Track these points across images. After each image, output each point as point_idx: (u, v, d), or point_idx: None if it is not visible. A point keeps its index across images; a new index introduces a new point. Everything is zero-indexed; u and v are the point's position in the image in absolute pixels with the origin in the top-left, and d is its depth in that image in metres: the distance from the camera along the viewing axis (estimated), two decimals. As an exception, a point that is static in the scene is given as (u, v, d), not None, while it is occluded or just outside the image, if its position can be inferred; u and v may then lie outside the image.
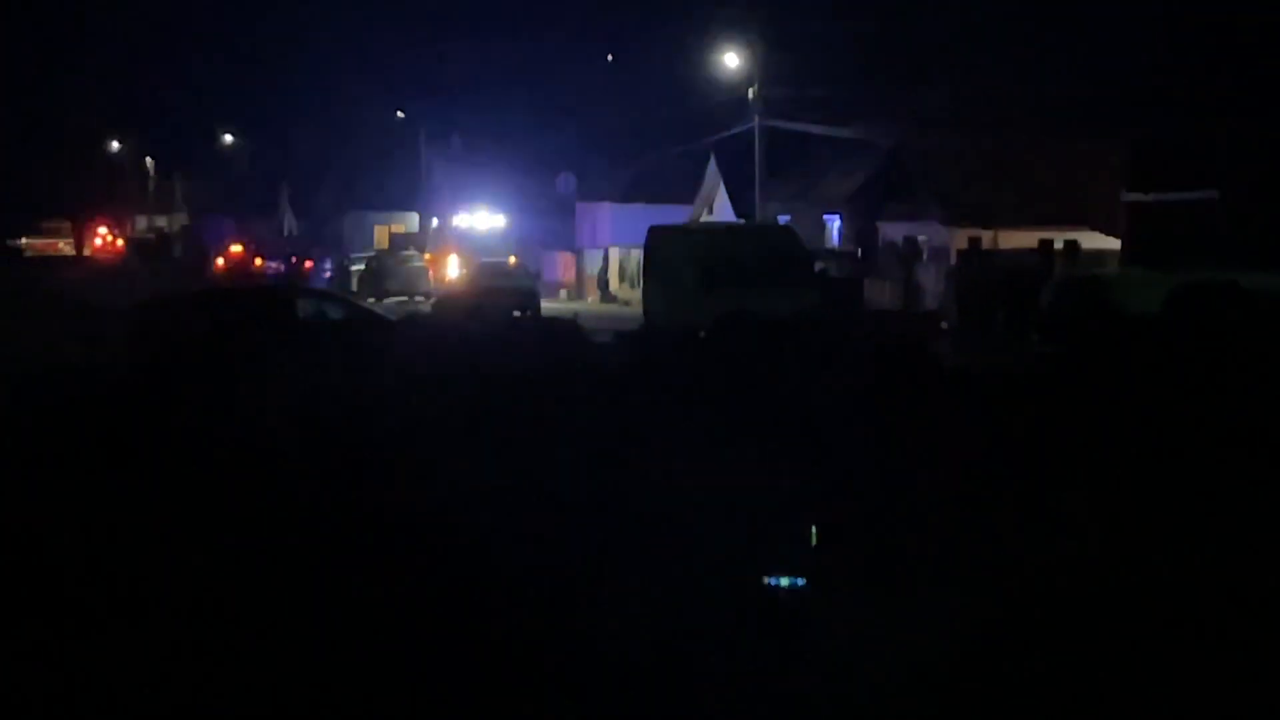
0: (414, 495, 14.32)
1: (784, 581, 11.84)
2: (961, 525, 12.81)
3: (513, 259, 56.54)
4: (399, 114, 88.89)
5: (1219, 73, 44.97)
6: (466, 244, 67.84)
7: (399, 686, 9.33)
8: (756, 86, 54.17)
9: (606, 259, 67.44)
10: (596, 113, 73.08)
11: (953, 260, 47.12)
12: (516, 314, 41.12)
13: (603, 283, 66.45)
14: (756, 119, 54.16)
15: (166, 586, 10.88)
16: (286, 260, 71.26)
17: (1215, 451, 15.91)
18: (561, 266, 72.69)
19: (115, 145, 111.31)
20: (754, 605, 11.21)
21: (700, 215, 63.24)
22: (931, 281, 47.88)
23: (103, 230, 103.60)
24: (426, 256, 62.62)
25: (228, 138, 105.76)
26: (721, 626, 10.46)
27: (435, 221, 73.88)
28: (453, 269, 58.86)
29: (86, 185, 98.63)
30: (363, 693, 9.26)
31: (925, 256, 50.93)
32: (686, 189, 65.43)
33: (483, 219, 73.44)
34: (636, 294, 46.89)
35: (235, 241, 79.40)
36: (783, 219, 53.42)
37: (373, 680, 9.38)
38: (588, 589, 11.00)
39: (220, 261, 74.75)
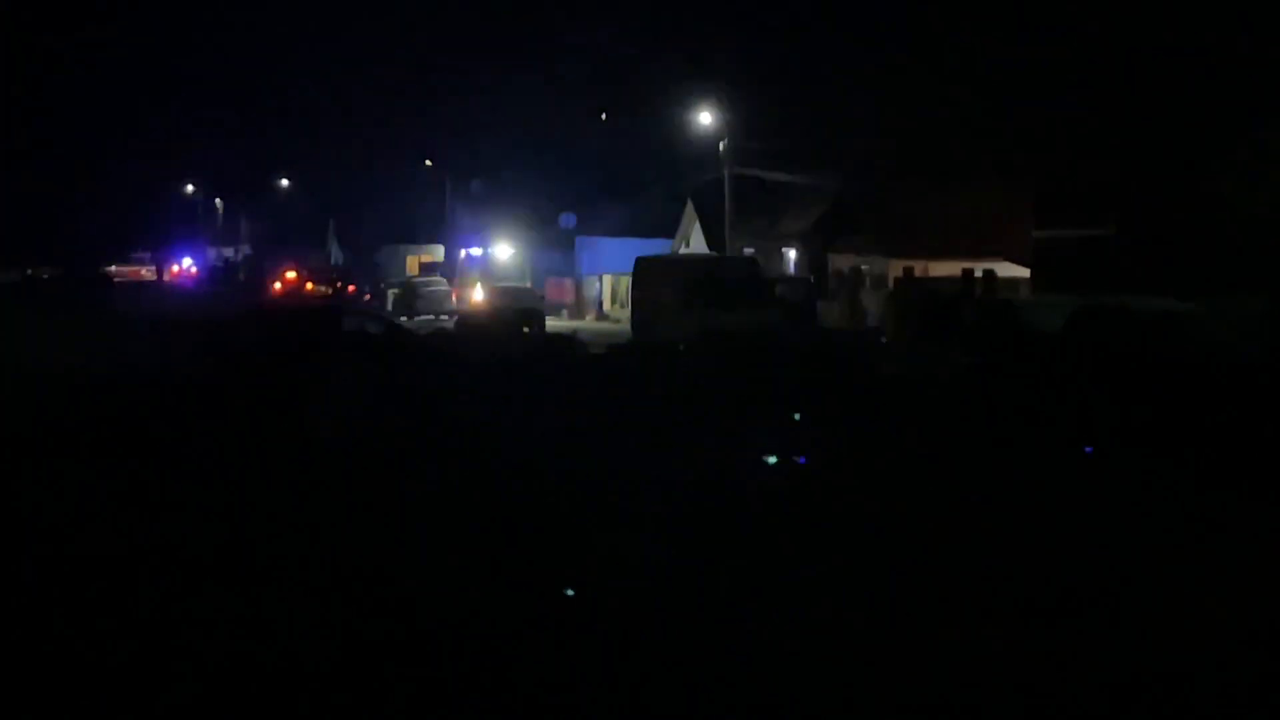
0: (451, 454, 14.67)
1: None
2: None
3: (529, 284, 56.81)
4: (428, 163, 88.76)
5: (1112, 128, 45.03)
6: (487, 271, 67.96)
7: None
8: (726, 141, 54.23)
9: (601, 284, 67.41)
10: (593, 162, 73.13)
11: (890, 286, 47.18)
12: (525, 329, 41.06)
13: (598, 304, 66.47)
14: (726, 168, 54.24)
15: (248, 541, 11.06)
16: (333, 284, 71.22)
17: (1106, 443, 16.04)
18: (563, 291, 72.64)
19: (190, 189, 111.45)
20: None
21: (679, 248, 63.21)
22: (872, 303, 47.95)
23: (184, 260, 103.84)
24: (457, 281, 62.38)
25: (284, 182, 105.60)
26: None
27: (464, 253, 73.52)
28: (478, 292, 58.78)
29: (166, 222, 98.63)
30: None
31: (867, 283, 51.02)
32: (668, 226, 65.60)
33: (502, 250, 73.34)
34: (626, 313, 46.85)
35: (290, 269, 79.15)
36: (748, 251, 53.39)
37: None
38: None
39: (278, 285, 74.65)
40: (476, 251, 74.00)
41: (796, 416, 18.09)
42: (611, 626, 9.03)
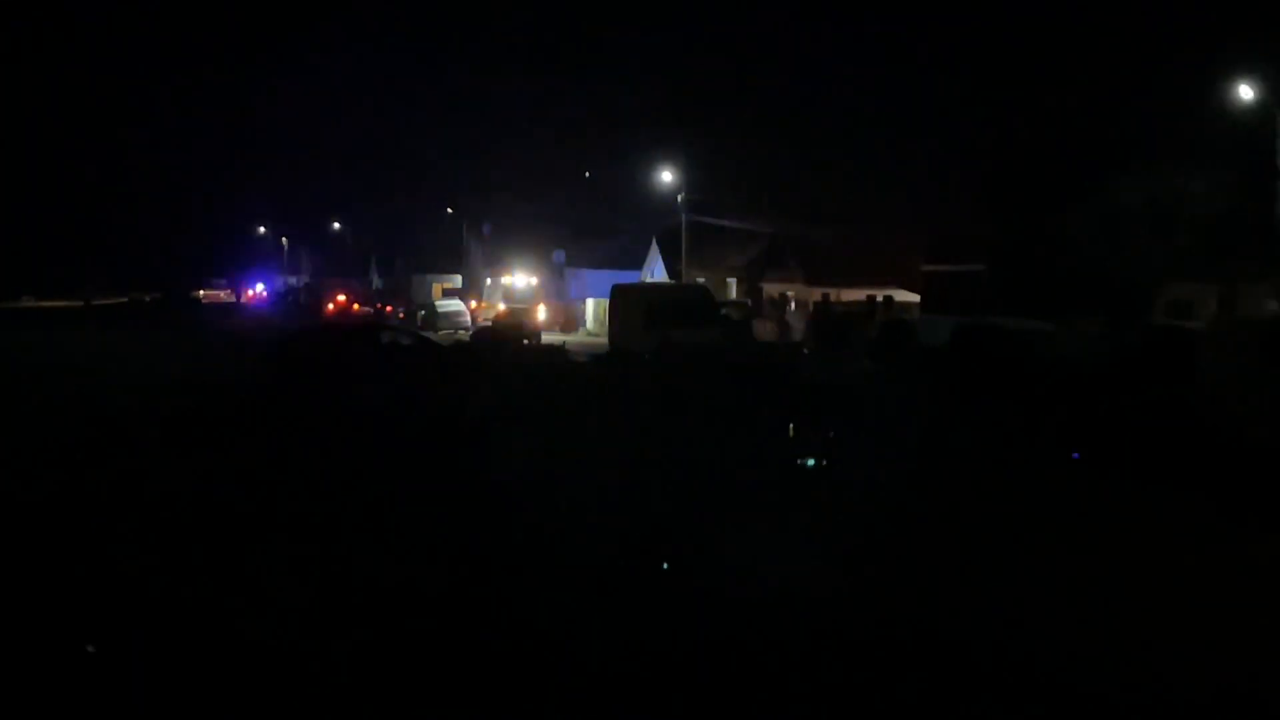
0: (471, 444, 14.69)
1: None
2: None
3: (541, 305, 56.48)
4: (449, 210, 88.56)
5: (985, 184, 45.23)
6: (501, 296, 67.49)
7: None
8: (682, 194, 54.27)
9: (585, 306, 67.16)
10: (580, 210, 72.85)
11: (810, 308, 47.16)
12: (525, 341, 40.89)
13: (583, 321, 66.20)
14: (683, 215, 54.26)
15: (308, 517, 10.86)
16: (374, 306, 70.98)
17: (980, 435, 16.03)
18: (557, 311, 72.36)
19: (261, 229, 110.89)
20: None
21: (645, 277, 63.10)
22: (797, 322, 47.89)
23: (257, 286, 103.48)
24: (483, 304, 61.26)
25: (336, 225, 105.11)
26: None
27: (489, 280, 72.17)
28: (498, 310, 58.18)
29: (241, 255, 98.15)
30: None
31: (792, 306, 50.94)
32: (638, 260, 65.69)
33: (519, 279, 72.32)
34: (605, 329, 46.70)
35: (340, 293, 78.81)
36: (700, 280, 53.33)
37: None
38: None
39: (331, 307, 74.40)
40: (507, 279, 72.66)
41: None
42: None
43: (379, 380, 20.98)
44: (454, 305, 61.91)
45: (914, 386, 22.13)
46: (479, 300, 59.32)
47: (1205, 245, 33.11)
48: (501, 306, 57.55)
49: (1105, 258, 34.78)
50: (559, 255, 72.14)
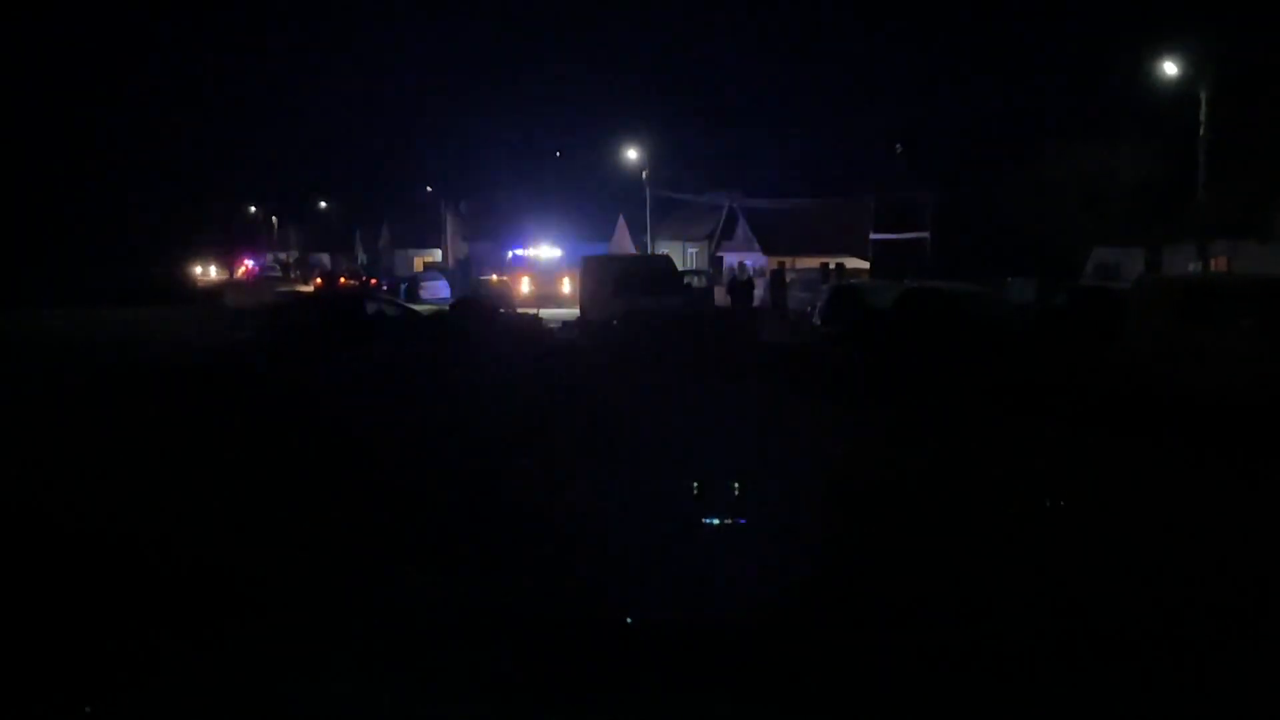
0: (445, 409, 14.69)
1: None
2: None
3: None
4: (429, 189, 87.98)
5: (926, 162, 45.31)
6: (484, 269, 65.85)
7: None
8: (646, 170, 54.07)
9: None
10: (549, 187, 72.42)
11: (767, 276, 47.23)
12: (501, 310, 40.67)
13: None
14: (648, 190, 54.12)
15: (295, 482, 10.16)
16: (359, 278, 70.50)
17: (922, 389, 16.14)
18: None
19: (252, 209, 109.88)
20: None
21: (613, 249, 63.02)
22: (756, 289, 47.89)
23: (248, 261, 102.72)
24: (500, 278, 57.51)
25: (323, 203, 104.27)
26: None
27: (510, 254, 68.69)
28: (524, 285, 54.88)
29: (233, 233, 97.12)
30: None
31: (750, 273, 50.81)
32: (606, 233, 65.53)
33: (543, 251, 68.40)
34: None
35: (328, 268, 78.40)
36: (663, 250, 53.26)
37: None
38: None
39: (319, 280, 73.93)
40: (521, 252, 68.81)
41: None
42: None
43: (365, 345, 21.00)
44: (435, 279, 61.40)
45: (864, 346, 22.26)
46: (499, 275, 57.59)
47: (1131, 212, 33.35)
48: (494, 277, 56.45)
49: (1038, 223, 35.00)
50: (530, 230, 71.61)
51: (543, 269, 54.99)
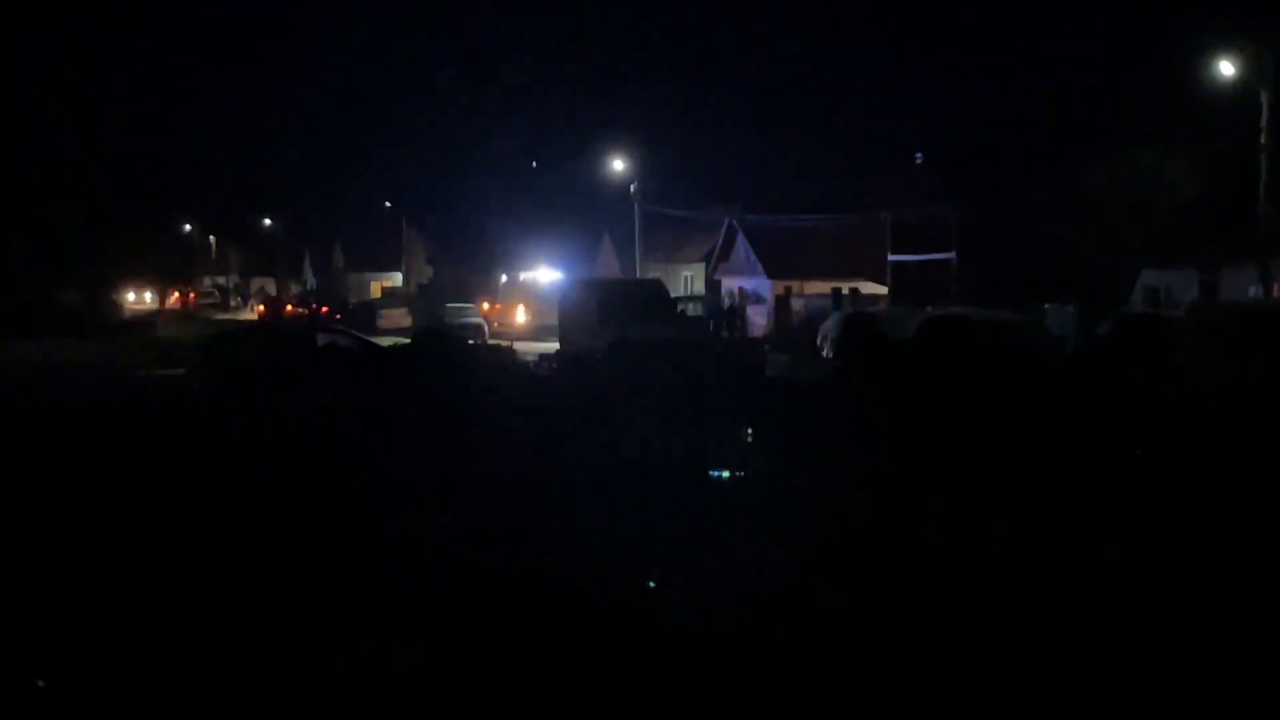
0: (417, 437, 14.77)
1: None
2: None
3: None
4: (388, 204, 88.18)
5: (951, 175, 45.51)
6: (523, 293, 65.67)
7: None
8: (635, 183, 54.10)
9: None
10: (522, 201, 72.60)
11: (771, 302, 47.31)
12: (471, 342, 40.66)
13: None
14: (636, 206, 54.15)
15: (238, 521, 10.85)
16: (308, 306, 70.45)
17: (947, 424, 16.15)
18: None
19: (187, 227, 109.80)
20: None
21: (598, 272, 63.07)
22: (759, 317, 47.92)
23: (178, 290, 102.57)
24: (493, 306, 57.85)
25: (267, 220, 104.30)
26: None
27: (504, 278, 69.10)
28: (520, 314, 55.40)
29: (166, 256, 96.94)
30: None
31: (752, 300, 50.67)
32: (589, 255, 65.58)
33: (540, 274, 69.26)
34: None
35: (271, 294, 78.42)
36: (654, 274, 53.34)
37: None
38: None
39: (263, 307, 73.89)
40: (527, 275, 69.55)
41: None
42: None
43: (314, 382, 20.89)
44: (394, 306, 61.33)
45: (879, 381, 22.23)
46: (492, 302, 57.51)
47: (1182, 229, 33.42)
48: (485, 306, 56.30)
49: (1078, 243, 35.08)
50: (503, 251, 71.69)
51: (542, 295, 54.85)
